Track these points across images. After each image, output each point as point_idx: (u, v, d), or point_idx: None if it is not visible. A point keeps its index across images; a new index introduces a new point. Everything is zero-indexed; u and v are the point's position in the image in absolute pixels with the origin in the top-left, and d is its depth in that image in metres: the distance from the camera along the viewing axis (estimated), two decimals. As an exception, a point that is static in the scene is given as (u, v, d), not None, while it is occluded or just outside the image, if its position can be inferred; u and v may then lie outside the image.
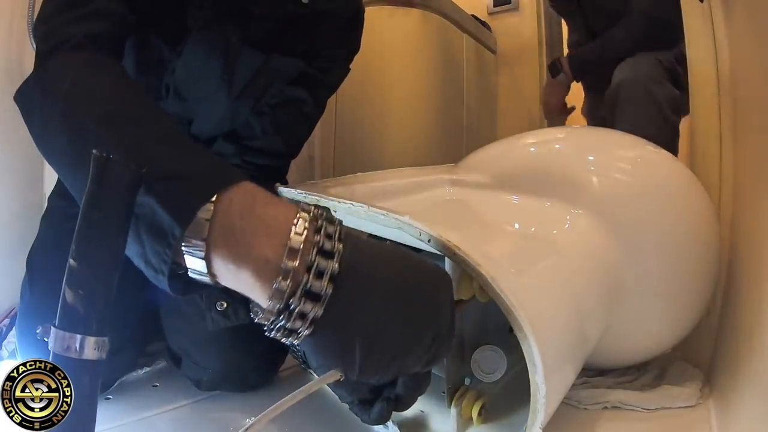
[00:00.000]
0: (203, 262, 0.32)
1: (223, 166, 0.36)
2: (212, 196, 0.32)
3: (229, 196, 0.32)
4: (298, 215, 0.31)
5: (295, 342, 0.32)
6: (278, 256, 0.30)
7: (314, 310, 0.30)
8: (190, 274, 0.34)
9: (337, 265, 0.30)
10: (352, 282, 0.30)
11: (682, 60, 0.97)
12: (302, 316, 0.30)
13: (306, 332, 0.31)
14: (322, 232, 0.31)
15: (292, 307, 0.30)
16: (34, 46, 0.53)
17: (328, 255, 0.30)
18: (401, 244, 0.59)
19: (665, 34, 1.22)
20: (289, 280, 0.30)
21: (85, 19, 0.52)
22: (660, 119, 1.17)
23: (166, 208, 0.32)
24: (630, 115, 1.18)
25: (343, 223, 0.34)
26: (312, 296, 0.30)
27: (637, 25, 1.27)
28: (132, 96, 0.44)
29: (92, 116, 0.38)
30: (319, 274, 0.30)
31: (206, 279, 0.33)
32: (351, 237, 0.32)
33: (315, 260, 0.30)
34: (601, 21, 1.37)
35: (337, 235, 0.31)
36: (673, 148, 1.25)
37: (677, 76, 1.22)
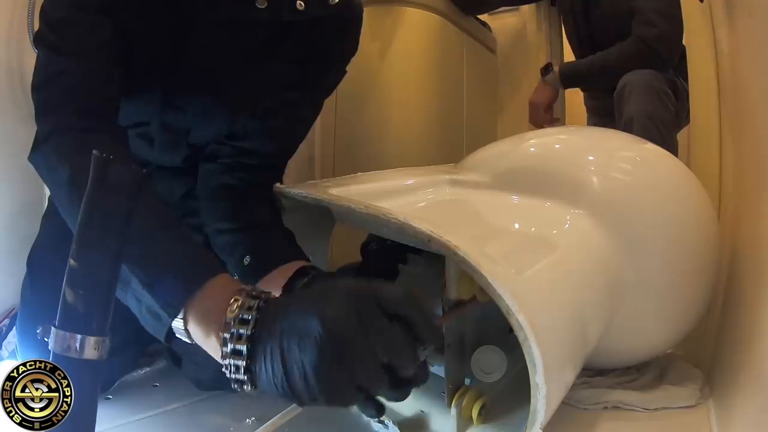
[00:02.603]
0: (184, 331, 0.46)
1: (199, 264, 0.49)
2: (189, 295, 0.45)
3: (200, 293, 0.46)
4: (233, 299, 0.44)
5: (251, 391, 0.43)
6: (219, 330, 0.43)
7: (241, 362, 0.41)
8: (175, 332, 0.47)
9: (252, 329, 0.42)
10: (261, 337, 0.42)
11: (682, 74, 1.01)
12: (237, 368, 0.42)
13: (247, 384, 0.42)
14: (245, 307, 0.43)
15: (228, 363, 0.42)
16: (34, 48, 0.57)
17: (246, 322, 0.42)
18: (400, 244, 0.59)
19: (655, 65, 1.28)
20: (223, 346, 0.42)
21: (71, 93, 0.57)
22: (660, 104, 1.23)
23: (160, 304, 0.45)
24: (634, 101, 1.24)
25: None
26: (237, 353, 0.42)
27: (629, 49, 1.32)
28: None
29: None
30: (240, 337, 0.42)
31: (186, 339, 0.47)
32: (269, 304, 0.44)
33: (237, 329, 0.42)
34: (604, 37, 1.40)
35: (256, 306, 0.43)
36: (674, 130, 1.30)
37: (676, 87, 1.27)
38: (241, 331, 0.42)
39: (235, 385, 0.43)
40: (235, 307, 0.43)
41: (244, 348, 0.41)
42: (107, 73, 0.59)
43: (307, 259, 0.69)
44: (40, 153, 0.57)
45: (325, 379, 0.39)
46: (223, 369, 0.43)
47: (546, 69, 1.49)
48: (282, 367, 0.40)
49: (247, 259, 0.69)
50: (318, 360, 0.38)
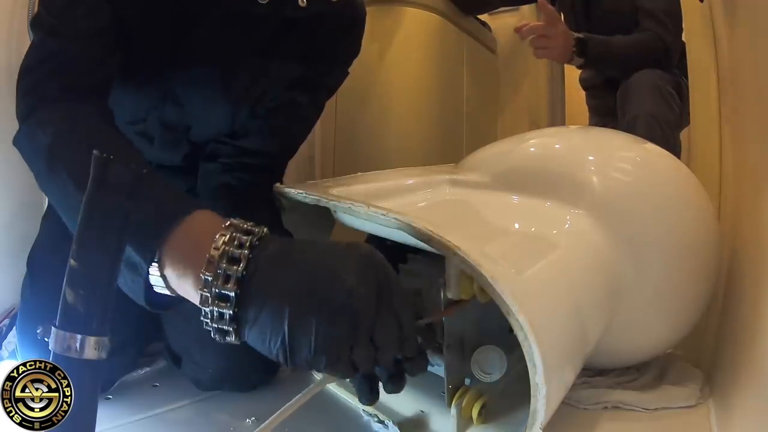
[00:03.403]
0: (160, 279, 0.42)
1: (177, 200, 0.45)
2: (166, 231, 0.41)
3: (176, 231, 0.42)
4: (218, 234, 0.39)
5: (235, 341, 0.39)
6: (199, 269, 0.39)
7: (227, 310, 0.38)
8: (155, 288, 0.43)
9: (243, 271, 0.38)
10: (256, 282, 0.38)
11: (684, 73, 1.00)
12: (221, 315, 0.38)
13: (232, 335, 0.39)
14: (234, 243, 0.39)
15: (210, 310, 0.38)
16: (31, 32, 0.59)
17: (235, 262, 0.38)
18: (399, 244, 0.59)
19: (662, 65, 1.27)
20: (205, 289, 0.38)
21: (59, 72, 0.56)
22: (664, 103, 1.21)
23: (135, 249, 0.41)
24: (638, 101, 1.22)
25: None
26: (223, 298, 0.38)
27: (648, 42, 1.29)
28: (105, 148, 0.46)
29: (70, 173, 0.47)
30: (227, 279, 0.38)
31: (166, 290, 0.42)
32: (263, 243, 0.40)
33: (224, 269, 0.38)
34: (606, 31, 1.38)
35: (248, 244, 0.39)
36: (677, 130, 1.29)
37: (680, 87, 1.26)
38: (229, 272, 0.37)
39: (216, 336, 0.39)
40: (220, 242, 0.38)
41: (231, 293, 0.37)
42: (100, 58, 0.59)
43: None
44: (23, 131, 0.55)
45: (333, 353, 0.37)
46: (202, 317, 0.39)
47: (582, 44, 1.26)
48: (289, 333, 0.36)
49: None
50: (333, 336, 0.36)
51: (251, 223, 0.41)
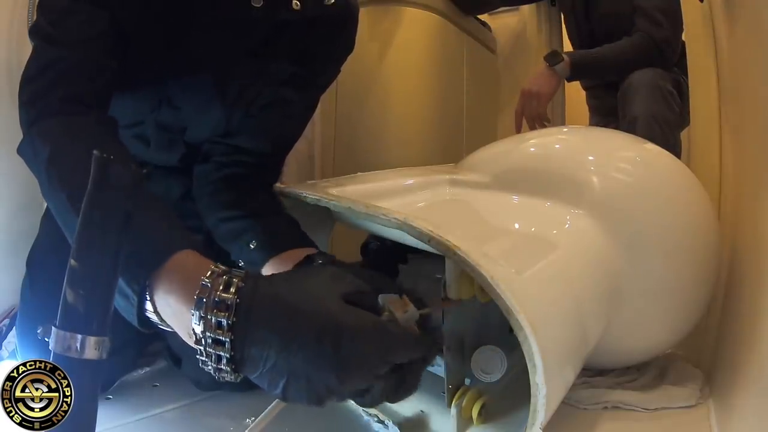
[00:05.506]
0: (154, 313, 0.44)
1: (166, 239, 0.46)
2: (155, 269, 0.43)
3: (168, 267, 0.44)
4: (203, 279, 0.41)
5: (234, 378, 0.42)
6: (187, 332, 0.41)
7: (223, 352, 0.40)
8: (147, 314, 0.45)
9: (230, 351, 0.40)
10: (248, 325, 0.39)
11: (685, 71, 1.01)
12: (218, 359, 0.40)
13: (228, 375, 0.41)
14: (220, 288, 0.40)
15: (204, 354, 0.40)
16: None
17: (220, 343, 0.40)
18: (399, 244, 0.59)
19: (659, 63, 1.27)
20: (197, 334, 0.40)
21: (61, 81, 0.57)
22: (665, 103, 1.22)
23: (125, 280, 0.43)
24: (638, 101, 1.22)
25: None
26: (217, 342, 0.40)
27: (639, 43, 1.30)
28: None
29: (66, 191, 0.48)
30: (219, 359, 0.40)
31: (157, 320, 0.44)
32: (248, 287, 0.40)
33: (213, 316, 0.39)
34: (606, 35, 1.38)
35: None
36: (677, 129, 1.29)
37: (681, 87, 1.27)
38: (218, 352, 0.40)
39: (216, 374, 0.41)
40: (209, 286, 0.40)
41: (227, 340, 0.39)
42: (100, 63, 0.59)
43: (315, 246, 0.68)
44: (25, 141, 0.56)
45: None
46: (198, 356, 0.41)
47: (553, 56, 1.34)
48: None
49: (253, 243, 0.68)
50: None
51: (223, 282, 0.41)
